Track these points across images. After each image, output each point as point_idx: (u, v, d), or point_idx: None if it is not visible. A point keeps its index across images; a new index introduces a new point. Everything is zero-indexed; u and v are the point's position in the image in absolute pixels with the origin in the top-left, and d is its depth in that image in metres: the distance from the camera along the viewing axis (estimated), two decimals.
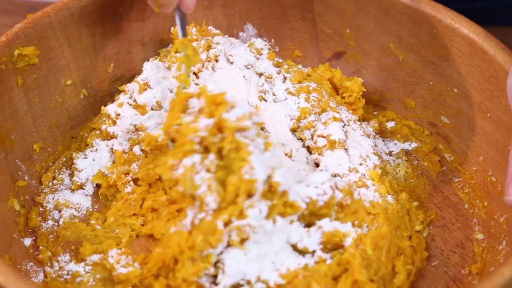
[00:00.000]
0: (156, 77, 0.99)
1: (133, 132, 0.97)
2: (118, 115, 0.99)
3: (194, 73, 1.02)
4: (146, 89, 0.99)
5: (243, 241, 0.83)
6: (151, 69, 1.00)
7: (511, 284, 0.73)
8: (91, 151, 1.01)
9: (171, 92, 0.98)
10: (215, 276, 0.84)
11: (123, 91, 1.01)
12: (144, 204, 0.95)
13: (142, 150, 0.96)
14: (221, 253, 0.83)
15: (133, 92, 1.00)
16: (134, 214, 0.95)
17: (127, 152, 0.97)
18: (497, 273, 0.73)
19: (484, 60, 0.94)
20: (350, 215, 0.87)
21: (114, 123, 0.99)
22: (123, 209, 0.95)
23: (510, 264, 0.75)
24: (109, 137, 1.00)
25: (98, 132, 1.01)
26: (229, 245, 0.83)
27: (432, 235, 0.94)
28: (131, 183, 0.96)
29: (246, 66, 1.02)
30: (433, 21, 0.99)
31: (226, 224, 0.83)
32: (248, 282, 0.83)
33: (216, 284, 0.83)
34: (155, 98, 0.98)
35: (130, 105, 0.99)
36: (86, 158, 1.01)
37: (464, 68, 0.98)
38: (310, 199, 0.86)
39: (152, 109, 0.98)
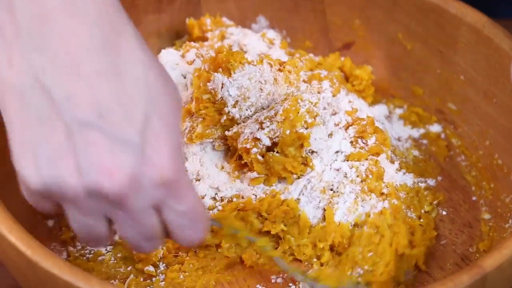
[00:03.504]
0: (170, 63, 1.02)
1: None
2: None
3: None
4: None
5: None
6: (165, 56, 1.03)
7: None
8: None
9: (184, 78, 1.01)
10: None
11: None
12: None
13: None
14: None
15: None
16: None
17: None
18: (505, 245, 0.76)
19: (489, 47, 0.97)
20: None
21: None
22: None
23: None
24: None
25: None
26: None
27: (440, 215, 0.97)
28: None
29: (259, 55, 1.04)
30: (440, 11, 1.02)
31: None
32: None
33: None
34: None
35: None
36: None
37: (470, 56, 1.01)
38: None
39: None
